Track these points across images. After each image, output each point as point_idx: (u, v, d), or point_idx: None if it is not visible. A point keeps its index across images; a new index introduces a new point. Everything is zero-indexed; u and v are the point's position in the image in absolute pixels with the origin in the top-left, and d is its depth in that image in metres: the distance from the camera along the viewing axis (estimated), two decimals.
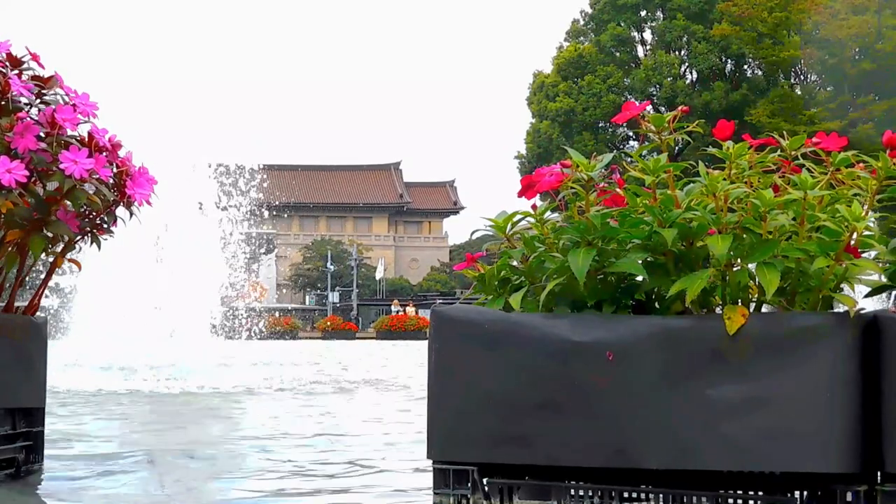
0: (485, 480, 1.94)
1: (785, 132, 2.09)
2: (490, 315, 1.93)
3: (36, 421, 2.85)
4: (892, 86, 35.37)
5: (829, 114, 36.17)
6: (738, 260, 1.86)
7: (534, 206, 2.03)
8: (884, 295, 2.00)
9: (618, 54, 49.00)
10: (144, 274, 9.88)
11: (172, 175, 9.82)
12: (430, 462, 2.00)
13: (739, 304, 1.87)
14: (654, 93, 47.23)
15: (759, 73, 46.57)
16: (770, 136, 2.04)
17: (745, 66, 47.81)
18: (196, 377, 7.84)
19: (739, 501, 1.87)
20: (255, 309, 13.53)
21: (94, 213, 2.71)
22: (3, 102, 2.55)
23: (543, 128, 47.89)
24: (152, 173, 2.78)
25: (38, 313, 2.86)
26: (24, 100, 2.60)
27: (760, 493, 1.87)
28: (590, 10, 50.28)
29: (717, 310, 1.90)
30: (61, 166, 2.47)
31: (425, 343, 2.08)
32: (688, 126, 2.00)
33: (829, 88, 39.79)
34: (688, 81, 48.15)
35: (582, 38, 50.23)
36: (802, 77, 44.01)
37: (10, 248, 2.64)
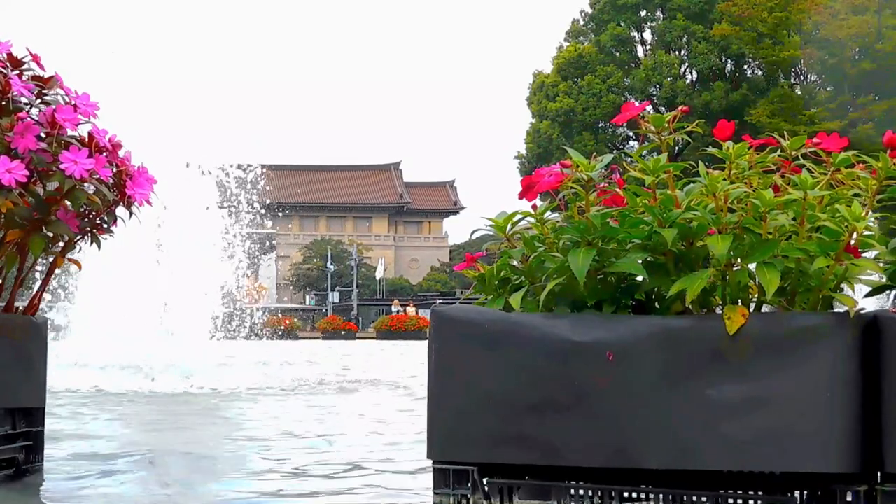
0: (485, 480, 1.94)
1: (785, 132, 2.09)
2: (490, 315, 1.93)
3: (36, 421, 2.85)
4: (892, 86, 35.36)
5: (829, 114, 36.17)
6: (738, 260, 1.86)
7: (534, 206, 2.03)
8: (883, 295, 2.00)
9: (618, 54, 49.00)
10: (144, 274, 9.88)
11: (172, 175, 9.82)
12: (431, 462, 2.00)
13: (739, 304, 1.87)
14: (654, 93, 47.22)
15: (759, 73, 46.57)
16: (770, 137, 2.04)
17: (745, 66, 47.81)
18: (196, 377, 7.84)
19: (739, 501, 1.87)
20: (255, 309, 13.53)
21: (94, 213, 2.71)
22: (3, 103, 2.55)
23: (543, 128, 47.89)
24: (151, 173, 2.78)
25: (37, 313, 2.86)
26: (24, 100, 2.60)
27: (760, 493, 1.87)
28: (590, 10, 50.27)
29: (717, 310, 1.90)
30: (61, 166, 2.47)
31: (425, 343, 2.08)
32: (688, 126, 2.01)
33: (829, 88, 39.78)
34: (688, 81, 48.15)
35: (582, 38, 50.23)
36: (802, 77, 44.01)
37: (10, 248, 2.64)
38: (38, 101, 2.64)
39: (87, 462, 3.21)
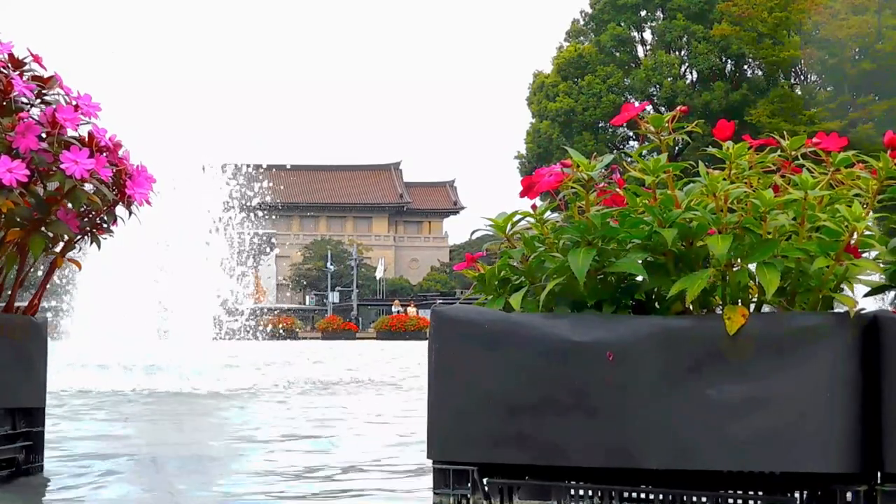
0: (485, 480, 1.94)
1: (785, 132, 2.09)
2: (490, 315, 1.93)
3: (36, 421, 2.85)
4: (892, 86, 35.35)
5: (829, 114, 36.15)
6: (738, 260, 1.86)
7: (534, 206, 2.03)
8: (881, 295, 2.00)
9: (618, 54, 48.99)
10: (145, 274, 9.88)
11: (172, 175, 9.82)
12: (431, 462, 2.00)
13: (739, 304, 1.87)
14: (654, 93, 47.21)
15: (759, 73, 46.56)
16: (770, 137, 2.04)
17: (745, 66, 47.79)
18: (197, 377, 7.84)
19: (739, 501, 1.87)
20: (255, 309, 13.52)
21: (95, 213, 2.71)
22: (4, 103, 2.55)
23: (543, 128, 47.88)
24: (151, 172, 2.78)
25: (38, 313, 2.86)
26: (23, 100, 2.60)
27: (760, 493, 1.87)
28: (590, 10, 50.26)
29: (717, 310, 1.90)
30: (62, 166, 2.47)
31: (425, 343, 2.08)
32: (687, 126, 2.00)
33: (829, 88, 39.77)
34: (688, 81, 48.14)
35: (582, 38, 50.21)
36: (802, 77, 44.00)
37: (10, 248, 2.64)
38: (38, 100, 2.64)
39: (87, 462, 3.21)
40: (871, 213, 1.88)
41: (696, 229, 1.88)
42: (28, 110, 2.61)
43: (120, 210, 2.79)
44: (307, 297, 66.09)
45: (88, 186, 2.58)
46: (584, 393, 1.85)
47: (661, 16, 49.11)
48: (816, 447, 1.76)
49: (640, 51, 50.18)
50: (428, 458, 1.97)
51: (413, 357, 14.13)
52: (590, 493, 1.90)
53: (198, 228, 10.71)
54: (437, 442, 1.96)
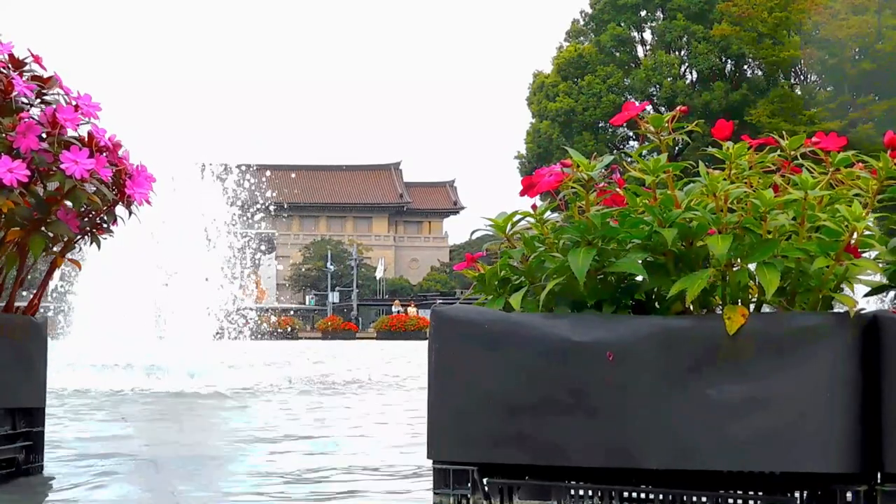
0: (485, 480, 1.94)
1: (785, 132, 2.09)
2: (490, 315, 1.93)
3: (36, 421, 2.85)
4: (892, 86, 35.35)
5: (829, 114, 36.14)
6: (738, 260, 1.85)
7: (534, 206, 2.03)
8: (881, 295, 2.00)
9: (618, 54, 48.98)
10: (145, 274, 9.88)
11: (172, 175, 9.82)
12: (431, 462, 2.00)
13: (739, 304, 1.87)
14: (654, 93, 47.20)
15: (759, 73, 46.55)
16: (770, 136, 2.04)
17: (745, 66, 47.78)
18: (197, 377, 7.84)
19: (739, 501, 1.87)
20: (255, 309, 13.53)
21: (95, 213, 2.71)
22: (5, 103, 2.55)
23: (543, 128, 47.88)
24: (151, 172, 2.78)
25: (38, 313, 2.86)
26: (23, 99, 2.60)
27: (760, 493, 1.87)
28: (590, 10, 50.25)
29: (717, 310, 1.90)
30: (62, 166, 2.47)
31: (425, 343, 2.08)
32: (687, 126, 2.00)
33: (829, 88, 39.76)
34: (688, 81, 48.13)
35: (582, 38, 50.21)
36: (802, 77, 43.99)
37: (10, 248, 2.64)
38: (38, 100, 2.64)
39: (87, 462, 3.21)
40: (870, 213, 1.88)
41: (696, 229, 1.88)
42: (28, 110, 2.61)
43: (120, 210, 2.79)
44: (307, 298, 66.08)
45: (89, 186, 2.58)
46: (584, 393, 1.85)
47: (661, 16, 49.11)
48: (816, 447, 1.76)
49: (640, 51, 50.19)
50: (428, 458, 1.97)
51: (413, 357, 14.13)
52: (590, 493, 1.90)
53: (197, 228, 10.71)
54: (437, 442, 1.96)
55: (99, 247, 2.80)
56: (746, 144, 1.96)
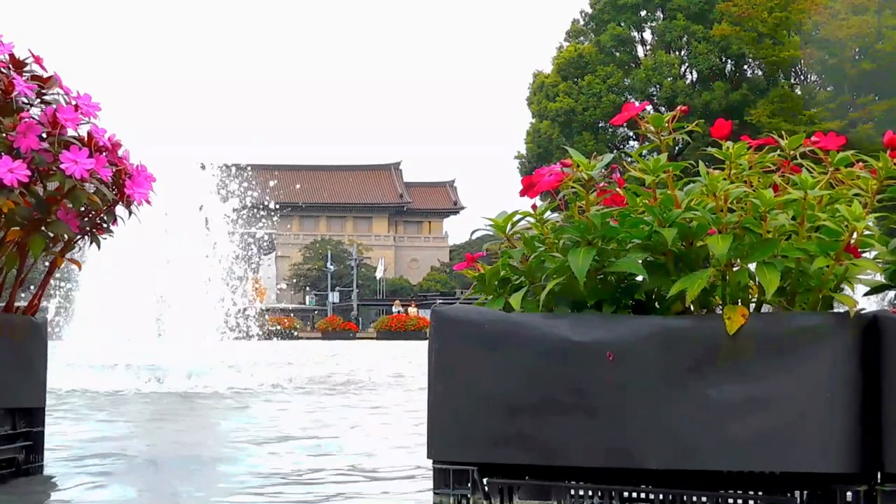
0: (485, 480, 1.94)
1: (784, 132, 2.09)
2: (490, 315, 1.93)
3: (36, 421, 2.85)
4: (892, 86, 35.34)
5: (829, 114, 36.14)
6: (738, 260, 1.85)
7: (534, 206, 2.03)
8: (880, 295, 2.00)
9: (618, 54, 48.98)
10: (146, 274, 9.88)
11: (172, 175, 9.82)
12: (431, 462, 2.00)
13: (739, 304, 1.87)
14: (654, 93, 47.20)
15: (759, 73, 46.55)
16: (770, 136, 2.04)
17: (745, 66, 47.79)
18: (198, 377, 7.84)
19: (739, 501, 1.87)
20: (255, 309, 13.52)
21: (95, 213, 2.71)
22: (5, 103, 2.55)
23: (543, 128, 47.88)
24: (151, 172, 2.78)
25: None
26: (23, 99, 2.60)
27: (760, 493, 1.87)
28: (590, 10, 50.25)
29: (717, 310, 1.90)
30: (62, 166, 2.47)
31: (425, 343, 2.08)
32: (687, 126, 2.00)
33: (829, 88, 39.75)
34: (688, 81, 48.13)
35: (582, 38, 50.21)
36: (802, 77, 43.99)
37: (10, 248, 2.64)
38: (38, 100, 2.64)
39: (87, 462, 3.21)
40: (870, 212, 1.88)
41: (696, 229, 1.88)
42: (28, 110, 2.62)
43: (120, 210, 2.79)
44: (307, 297, 66.08)
45: (89, 186, 2.59)
46: (584, 393, 1.85)
47: (661, 16, 49.11)
48: (816, 447, 1.76)
49: (640, 51, 50.19)
50: (428, 457, 1.97)
51: (413, 357, 14.13)
52: (590, 493, 1.90)
53: (197, 228, 10.71)
54: (437, 442, 1.96)
55: (99, 247, 2.80)
56: (746, 144, 1.96)
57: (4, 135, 2.48)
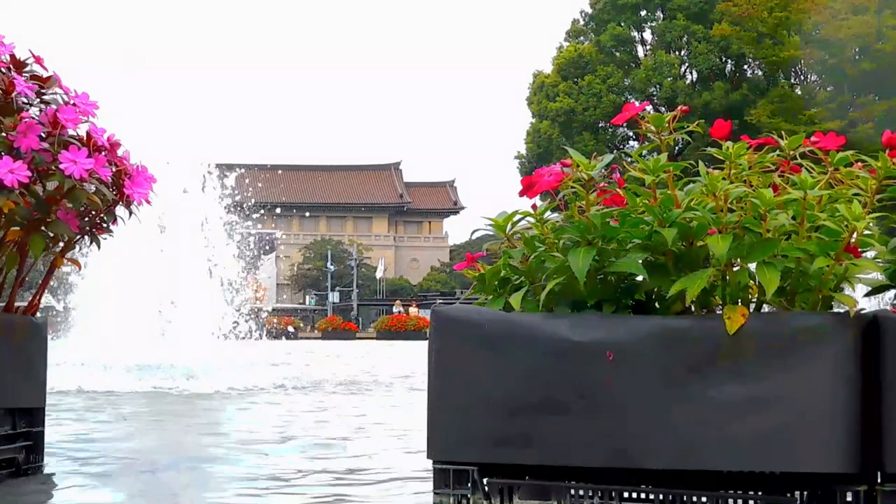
0: (485, 480, 1.94)
1: (784, 132, 2.09)
2: (490, 315, 1.93)
3: (36, 421, 2.85)
4: (892, 86, 35.33)
5: (829, 114, 36.13)
6: (738, 260, 1.85)
7: (534, 206, 2.03)
8: (881, 294, 2.00)
9: (618, 54, 48.98)
10: (148, 274, 9.88)
11: (173, 175, 9.83)
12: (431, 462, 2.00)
13: (739, 304, 1.87)
14: (654, 93, 47.20)
15: (759, 73, 46.54)
16: (769, 136, 2.04)
17: (745, 66, 47.78)
18: (198, 377, 7.83)
19: (739, 501, 1.87)
20: (256, 309, 13.53)
21: (95, 213, 2.71)
22: (6, 102, 2.55)
23: (543, 128, 47.87)
24: (151, 172, 2.78)
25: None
26: (23, 99, 2.60)
27: (760, 493, 1.87)
28: (590, 10, 50.25)
29: (717, 310, 1.90)
30: (61, 166, 2.47)
31: (425, 343, 2.08)
32: (688, 126, 2.00)
33: (829, 88, 39.75)
34: (688, 81, 48.13)
35: (582, 38, 50.21)
36: (802, 77, 43.98)
37: (10, 248, 2.64)
38: (38, 99, 2.64)
39: (87, 462, 3.21)
40: (870, 212, 1.88)
41: (696, 229, 1.88)
42: (28, 110, 2.62)
43: (120, 210, 2.79)
44: (307, 297, 66.08)
45: (89, 186, 2.59)
46: (584, 393, 1.85)
47: (661, 16, 49.11)
48: (816, 447, 1.76)
49: (640, 51, 50.19)
50: (428, 458, 1.97)
51: (413, 357, 14.13)
52: (590, 493, 1.90)
53: (198, 229, 10.71)
54: (437, 442, 1.96)
55: (99, 247, 2.80)
56: (746, 144, 1.96)
57: (5, 135, 2.48)
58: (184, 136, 10.74)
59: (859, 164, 1.98)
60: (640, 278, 1.94)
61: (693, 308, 1.91)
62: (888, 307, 2.00)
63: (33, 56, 2.66)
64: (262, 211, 14.35)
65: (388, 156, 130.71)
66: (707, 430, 1.79)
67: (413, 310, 43.21)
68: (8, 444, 2.72)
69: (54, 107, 2.58)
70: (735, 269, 1.86)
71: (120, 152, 2.71)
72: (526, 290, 2.00)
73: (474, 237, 2.45)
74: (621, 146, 47.64)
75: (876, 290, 1.94)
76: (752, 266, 1.83)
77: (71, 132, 2.59)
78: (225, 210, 11.43)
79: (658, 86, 47.24)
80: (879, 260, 1.93)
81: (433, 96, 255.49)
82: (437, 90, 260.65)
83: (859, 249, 1.85)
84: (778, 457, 1.77)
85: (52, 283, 2.99)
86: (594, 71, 47.70)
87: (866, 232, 1.85)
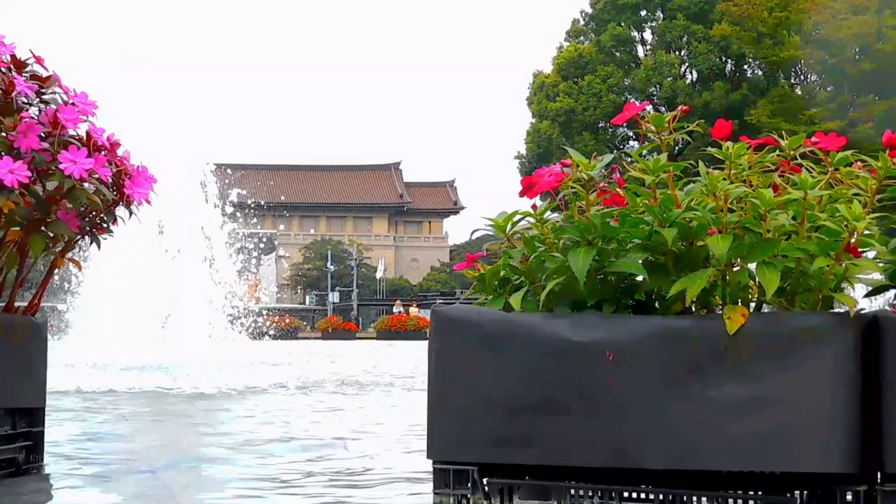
0: (485, 480, 1.94)
1: (784, 132, 2.09)
2: (490, 315, 1.93)
3: (36, 421, 2.85)
4: (892, 86, 35.33)
5: (829, 114, 36.14)
6: (738, 260, 1.85)
7: (534, 206, 2.03)
8: (881, 294, 2.00)
9: (618, 54, 48.99)
10: (148, 274, 9.89)
11: (173, 175, 9.83)
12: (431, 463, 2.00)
13: (739, 304, 1.87)
14: (654, 93, 47.20)
15: (759, 73, 46.54)
16: (769, 136, 2.04)
17: (745, 66, 47.78)
18: (198, 377, 7.84)
19: (739, 501, 1.87)
20: (256, 309, 13.53)
21: (95, 213, 2.71)
22: (6, 102, 2.55)
23: (543, 128, 47.87)
24: (152, 172, 2.78)
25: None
26: (23, 99, 2.60)
27: (760, 493, 1.87)
28: (590, 10, 50.25)
29: (717, 310, 1.90)
30: (60, 166, 2.47)
31: (425, 343, 2.08)
32: (688, 126, 2.00)
33: (829, 88, 39.75)
34: (688, 81, 48.13)
35: (582, 38, 50.21)
36: (802, 77, 43.98)
37: (10, 248, 2.64)
38: (37, 99, 2.64)
39: (87, 462, 3.21)
40: (870, 212, 1.88)
41: (696, 229, 1.88)
42: (27, 110, 2.62)
43: (120, 210, 2.79)
44: (307, 297, 66.08)
45: (89, 186, 2.59)
46: (584, 393, 1.85)
47: (661, 16, 49.10)
48: (816, 447, 1.76)
49: (640, 51, 50.19)
50: (428, 458, 1.97)
51: (413, 356, 14.12)
52: (590, 493, 1.90)
53: (198, 228, 10.71)
54: (437, 442, 1.96)
55: (99, 247, 2.80)
56: (746, 144, 1.96)
57: (5, 135, 2.48)
58: (184, 136, 10.74)
59: (859, 164, 1.98)
60: (640, 278, 1.94)
61: (693, 308, 1.91)
62: (888, 307, 2.00)
63: (34, 56, 2.66)
64: (262, 211, 14.36)
65: (387, 156, 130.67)
66: (707, 430, 1.79)
67: (413, 310, 43.20)
68: (8, 444, 2.72)
69: (54, 107, 2.58)
70: (735, 269, 1.86)
71: (120, 152, 2.71)
72: (526, 290, 2.00)
73: (474, 237, 2.45)
74: (621, 146, 47.65)
75: (876, 290, 1.94)
76: (752, 266, 1.83)
77: (71, 132, 2.59)
78: (225, 210, 11.43)
79: (658, 86, 47.24)
80: (879, 260, 1.93)
81: (433, 96, 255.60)
82: (437, 90, 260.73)
83: (859, 249, 1.85)
84: (778, 457, 1.77)
85: (52, 283, 2.99)
86: (594, 71, 47.70)
87: (866, 232, 1.85)
